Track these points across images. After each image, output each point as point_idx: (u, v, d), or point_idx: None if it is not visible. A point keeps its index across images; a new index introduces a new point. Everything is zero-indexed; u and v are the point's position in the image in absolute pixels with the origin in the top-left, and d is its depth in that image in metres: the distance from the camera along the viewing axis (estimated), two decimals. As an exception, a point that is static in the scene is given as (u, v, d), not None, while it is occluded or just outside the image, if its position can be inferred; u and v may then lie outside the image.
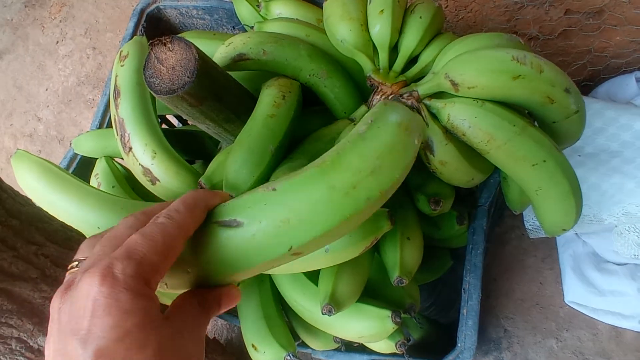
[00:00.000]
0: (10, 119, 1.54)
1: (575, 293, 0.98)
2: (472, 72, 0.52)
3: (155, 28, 0.99)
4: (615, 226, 0.94)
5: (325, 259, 0.53)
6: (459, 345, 0.65)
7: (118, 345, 0.26)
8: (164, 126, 1.00)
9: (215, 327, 1.14)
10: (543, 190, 0.56)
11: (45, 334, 0.47)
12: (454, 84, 0.54)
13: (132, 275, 0.27)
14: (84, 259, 0.31)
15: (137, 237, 0.29)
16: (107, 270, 0.27)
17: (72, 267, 0.32)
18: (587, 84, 1.02)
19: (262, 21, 0.77)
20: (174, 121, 1.06)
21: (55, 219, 0.49)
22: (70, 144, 0.88)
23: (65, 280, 0.29)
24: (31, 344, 0.45)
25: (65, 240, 0.48)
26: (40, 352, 0.46)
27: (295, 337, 0.71)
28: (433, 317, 0.95)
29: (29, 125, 1.52)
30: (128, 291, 0.26)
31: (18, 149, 0.70)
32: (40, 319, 0.45)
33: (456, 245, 0.78)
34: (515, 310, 1.03)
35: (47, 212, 0.48)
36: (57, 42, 1.62)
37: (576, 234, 1.00)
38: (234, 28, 0.97)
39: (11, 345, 0.43)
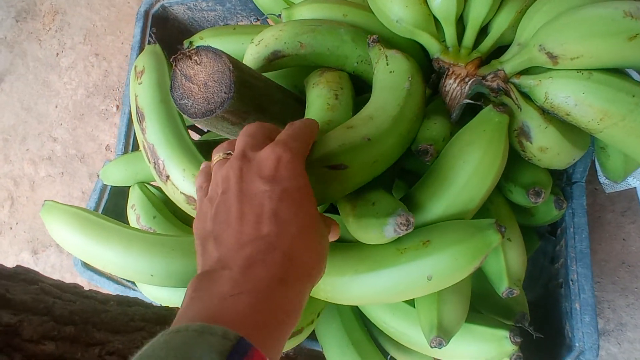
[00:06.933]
0: (25, 143, 1.47)
1: (666, 245, 0.89)
2: (576, 40, 0.42)
3: (163, 29, 0.89)
4: None
5: (428, 287, 0.45)
6: (577, 344, 0.57)
7: (297, 192, 0.35)
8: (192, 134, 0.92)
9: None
10: (672, 165, 0.47)
11: None
12: (552, 56, 0.44)
13: (301, 151, 0.38)
14: (229, 152, 0.40)
15: (290, 131, 0.40)
16: (286, 144, 0.37)
17: (219, 158, 0.41)
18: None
19: (288, 7, 0.67)
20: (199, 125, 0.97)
21: (110, 300, 0.42)
22: (98, 176, 0.81)
23: (235, 155, 0.38)
24: None
25: (126, 323, 0.41)
26: None
27: (383, 352, 0.64)
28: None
29: (45, 148, 1.44)
30: (301, 160, 0.37)
31: (45, 200, 0.63)
32: None
33: (543, 223, 0.69)
34: (600, 273, 0.95)
35: (98, 297, 0.41)
36: (57, 54, 1.53)
37: (659, 181, 0.90)
38: (251, 15, 0.87)
39: None
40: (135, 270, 0.58)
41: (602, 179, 0.95)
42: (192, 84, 0.53)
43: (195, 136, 0.89)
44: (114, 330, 0.38)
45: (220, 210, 0.36)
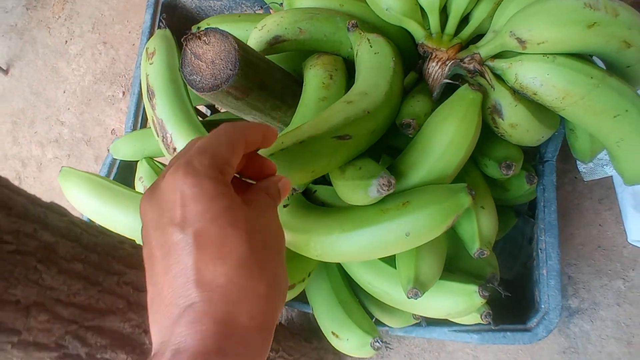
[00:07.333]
0: (34, 126, 1.53)
1: (639, 231, 0.95)
2: (542, 27, 0.48)
3: (172, 17, 0.95)
4: (677, 158, 0.89)
5: (406, 242, 0.51)
6: (543, 306, 0.63)
7: (213, 226, 0.29)
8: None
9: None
10: (626, 142, 0.53)
11: None
12: (520, 41, 0.50)
13: (209, 165, 0.30)
14: None
15: (203, 139, 0.33)
16: (187, 165, 0.30)
17: None
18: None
19: (289, -4, 0.73)
20: (203, 109, 1.03)
21: (126, 242, 0.47)
22: (108, 150, 0.86)
23: (149, 187, 0.32)
24: (125, 371, 0.44)
25: (139, 263, 0.47)
26: (134, 378, 0.45)
27: (369, 315, 0.70)
28: (496, 274, 0.93)
29: (53, 131, 1.50)
30: (210, 179, 0.30)
31: (63, 166, 0.69)
32: (132, 347, 0.44)
33: (519, 202, 0.75)
34: (577, 256, 1.01)
35: (117, 237, 0.46)
36: (66, 41, 1.59)
37: (634, 171, 0.96)
38: (255, 4, 0.93)
39: (107, 376, 0.42)
40: (144, 231, 0.64)
41: (581, 168, 1.02)
42: (201, 61, 0.58)
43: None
44: (129, 266, 0.44)
45: (149, 268, 0.31)
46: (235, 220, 0.30)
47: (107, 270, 0.41)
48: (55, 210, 0.38)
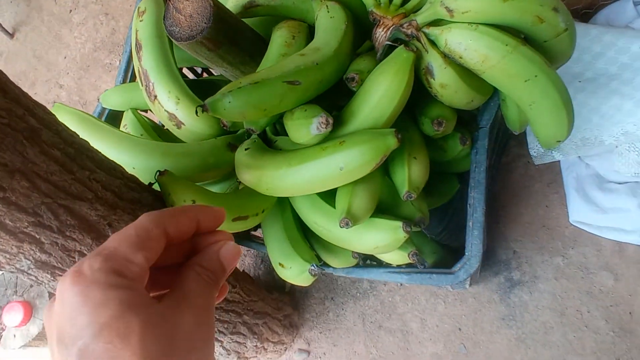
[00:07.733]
0: (34, 88, 1.61)
1: (580, 213, 1.04)
2: (465, -3, 0.57)
3: (167, -14, 1.03)
4: (616, 147, 0.98)
5: (341, 176, 0.59)
6: (467, 253, 0.71)
7: (97, 341, 0.25)
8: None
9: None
10: (536, 104, 0.62)
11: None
12: (449, 10, 0.58)
13: (99, 269, 0.27)
14: None
15: (111, 236, 0.30)
16: (76, 270, 0.27)
17: None
18: (587, 11, 1.05)
19: (267, -31, 0.81)
20: (189, 75, 1.11)
21: (100, 152, 0.56)
22: (99, 100, 0.95)
23: None
24: (91, 257, 0.52)
25: (111, 169, 0.55)
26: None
27: (317, 257, 0.78)
28: (445, 242, 1.02)
29: (52, 93, 1.59)
30: (98, 284, 0.26)
31: (55, 102, 0.77)
32: (96, 235, 0.51)
33: (463, 169, 0.83)
34: (523, 233, 1.10)
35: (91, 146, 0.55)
36: (70, 10, 1.67)
37: (579, 157, 1.05)
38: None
39: (74, 258, 0.51)
40: (121, 162, 0.71)
41: (532, 152, 1.10)
42: (181, 15, 0.67)
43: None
44: (100, 167, 0.52)
45: None
46: (126, 329, 0.26)
47: (81, 165, 0.49)
48: (42, 108, 0.47)
